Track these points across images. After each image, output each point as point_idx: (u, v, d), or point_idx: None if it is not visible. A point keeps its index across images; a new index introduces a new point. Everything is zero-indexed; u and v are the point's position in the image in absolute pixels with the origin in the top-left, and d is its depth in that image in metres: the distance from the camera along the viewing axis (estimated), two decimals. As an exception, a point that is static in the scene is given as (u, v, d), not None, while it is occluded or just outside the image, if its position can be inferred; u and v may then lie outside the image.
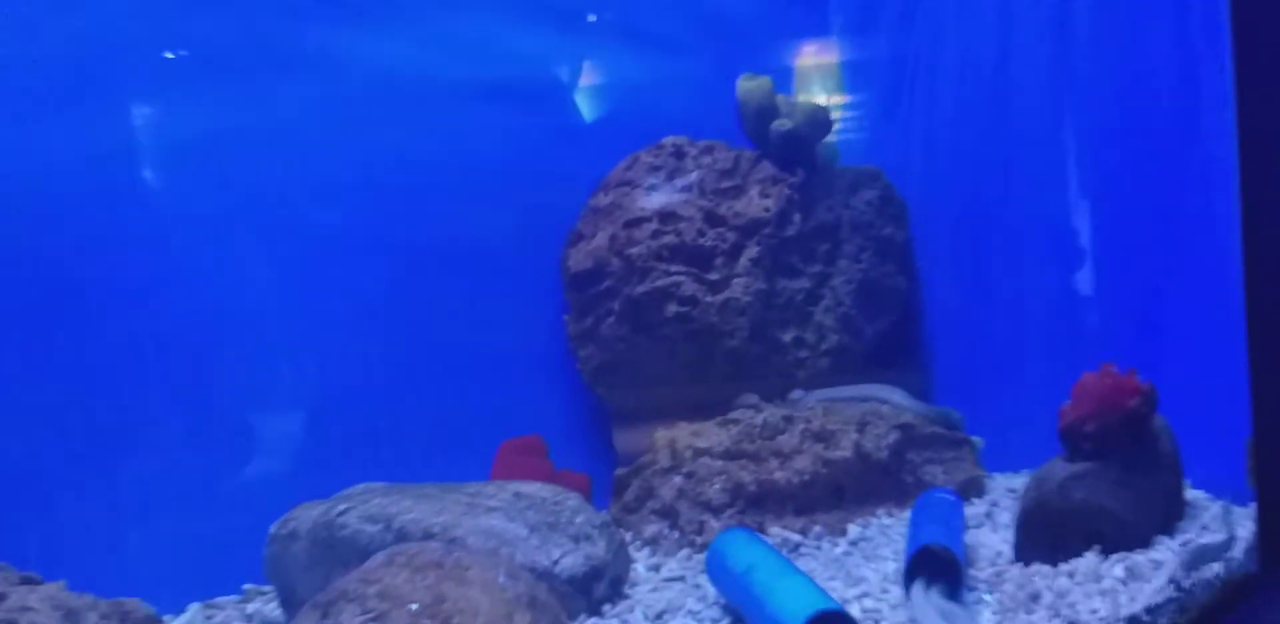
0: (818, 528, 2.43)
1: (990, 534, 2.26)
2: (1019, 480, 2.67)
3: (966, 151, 3.00)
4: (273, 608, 2.10)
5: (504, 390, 2.83)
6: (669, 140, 3.00)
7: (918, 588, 1.89)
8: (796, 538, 2.40)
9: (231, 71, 2.45)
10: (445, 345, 2.78)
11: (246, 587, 2.30)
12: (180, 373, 2.40)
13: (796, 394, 2.84)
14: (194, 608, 2.20)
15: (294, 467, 2.53)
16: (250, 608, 2.18)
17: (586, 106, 3.02)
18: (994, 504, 2.52)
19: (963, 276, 3.08)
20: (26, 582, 1.81)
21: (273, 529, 2.07)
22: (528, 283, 2.92)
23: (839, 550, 2.33)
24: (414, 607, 1.41)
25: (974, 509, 2.47)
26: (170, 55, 2.41)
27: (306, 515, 2.04)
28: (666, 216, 2.83)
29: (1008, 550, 2.11)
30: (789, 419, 2.63)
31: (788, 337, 2.90)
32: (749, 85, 2.93)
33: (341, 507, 2.01)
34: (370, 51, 2.67)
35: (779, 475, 2.50)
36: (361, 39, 2.67)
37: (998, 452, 2.76)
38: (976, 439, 2.75)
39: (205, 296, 2.42)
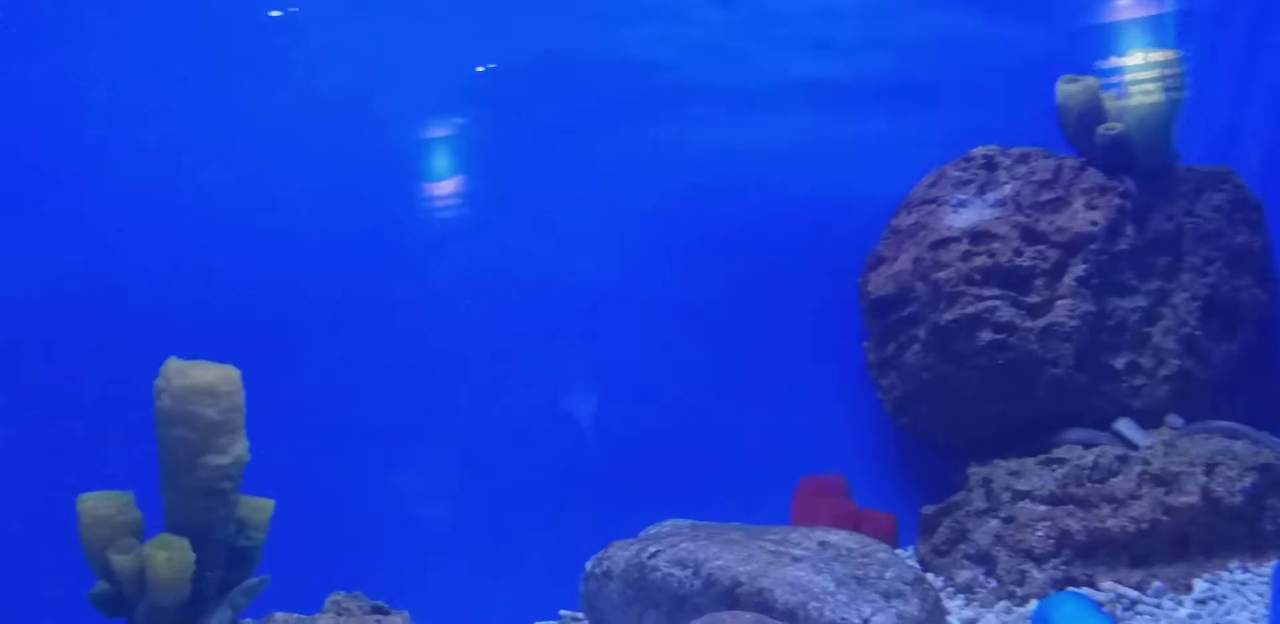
0: (1158, 583, 2.19)
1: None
2: None
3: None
4: (588, 637, 2.18)
5: (801, 419, 2.77)
6: (978, 151, 2.78)
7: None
8: (1133, 594, 2.17)
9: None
10: (741, 373, 2.76)
11: (563, 612, 2.42)
12: (492, 404, 2.65)
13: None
14: (514, 631, 2.34)
15: (600, 499, 2.62)
16: (567, 633, 2.29)
17: (885, 118, 2.87)
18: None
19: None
20: (376, 611, 2.01)
21: (588, 567, 2.14)
22: (824, 309, 2.83)
23: (1184, 613, 2.09)
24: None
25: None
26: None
27: (619, 555, 2.08)
28: (978, 236, 2.62)
29: None
30: (1123, 459, 2.39)
31: (1120, 362, 2.60)
32: (1071, 88, 2.66)
33: (652, 549, 2.04)
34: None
35: (1112, 523, 2.27)
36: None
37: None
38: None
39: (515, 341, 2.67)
